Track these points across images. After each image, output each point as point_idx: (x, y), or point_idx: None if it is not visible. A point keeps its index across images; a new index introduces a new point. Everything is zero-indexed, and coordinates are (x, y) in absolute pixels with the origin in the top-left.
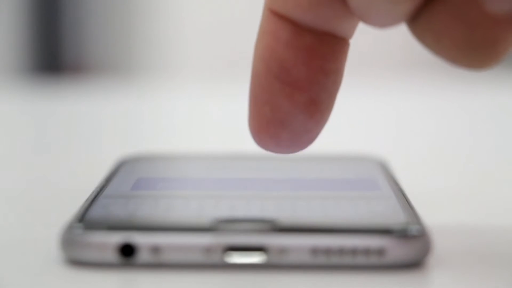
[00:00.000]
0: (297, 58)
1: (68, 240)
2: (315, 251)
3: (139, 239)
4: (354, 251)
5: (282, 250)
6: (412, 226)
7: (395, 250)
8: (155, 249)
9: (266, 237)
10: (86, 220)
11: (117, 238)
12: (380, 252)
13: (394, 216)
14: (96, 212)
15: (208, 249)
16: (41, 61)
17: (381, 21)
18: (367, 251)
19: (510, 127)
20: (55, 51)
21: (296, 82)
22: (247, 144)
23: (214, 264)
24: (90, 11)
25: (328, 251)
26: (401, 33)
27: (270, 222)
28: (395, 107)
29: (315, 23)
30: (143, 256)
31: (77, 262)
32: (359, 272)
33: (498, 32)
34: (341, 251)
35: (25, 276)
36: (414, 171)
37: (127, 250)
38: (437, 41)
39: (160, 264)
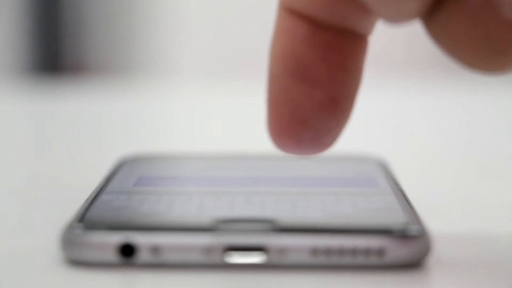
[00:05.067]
0: (316, 55)
1: (68, 240)
2: (315, 251)
3: (139, 239)
4: (354, 251)
5: (282, 250)
6: (412, 226)
7: (395, 250)
8: (155, 249)
9: (266, 237)
10: (86, 220)
11: (117, 238)
12: (380, 252)
13: (394, 216)
14: (96, 212)
15: (208, 249)
16: (41, 61)
17: (393, 17)
18: (367, 251)
19: (511, 127)
20: (55, 51)
21: (315, 80)
22: (247, 143)
23: (214, 264)
24: (90, 11)
25: (328, 251)
26: (402, 33)
27: (270, 222)
28: (395, 107)
29: (332, 20)
30: (143, 256)
31: (77, 262)
32: (359, 272)
33: None
34: (341, 251)
35: (25, 276)
36: (414, 171)
37: (127, 250)
38: (452, 43)
39: (160, 264)
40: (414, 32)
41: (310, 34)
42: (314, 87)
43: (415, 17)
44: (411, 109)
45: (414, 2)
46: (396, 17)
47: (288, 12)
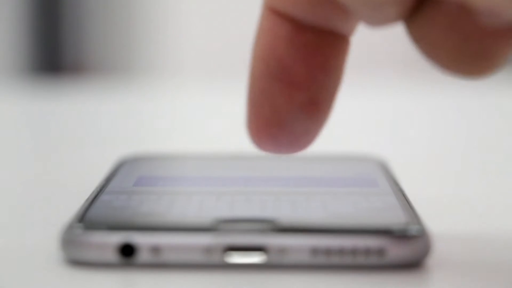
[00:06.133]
0: (296, 56)
1: (68, 240)
2: (315, 251)
3: (139, 239)
4: (354, 251)
5: (282, 250)
6: (412, 226)
7: (395, 250)
8: (155, 249)
9: (266, 237)
10: (86, 220)
11: (117, 238)
12: (380, 252)
13: (394, 216)
14: (96, 212)
15: (208, 249)
16: (41, 61)
17: (374, 21)
18: (367, 251)
19: (511, 127)
20: (55, 51)
21: (295, 81)
22: (247, 143)
23: (214, 264)
24: (90, 11)
25: (328, 251)
26: (401, 32)
27: (270, 222)
28: (395, 107)
29: (314, 21)
30: (143, 256)
31: (77, 262)
32: (359, 272)
33: (493, 44)
34: (341, 251)
35: (25, 276)
36: (414, 171)
37: (127, 250)
38: (431, 48)
39: (160, 264)
40: None
41: (292, 34)
42: (293, 88)
43: (395, 20)
44: (411, 109)
45: (393, 6)
46: (377, 20)
47: (271, 12)
